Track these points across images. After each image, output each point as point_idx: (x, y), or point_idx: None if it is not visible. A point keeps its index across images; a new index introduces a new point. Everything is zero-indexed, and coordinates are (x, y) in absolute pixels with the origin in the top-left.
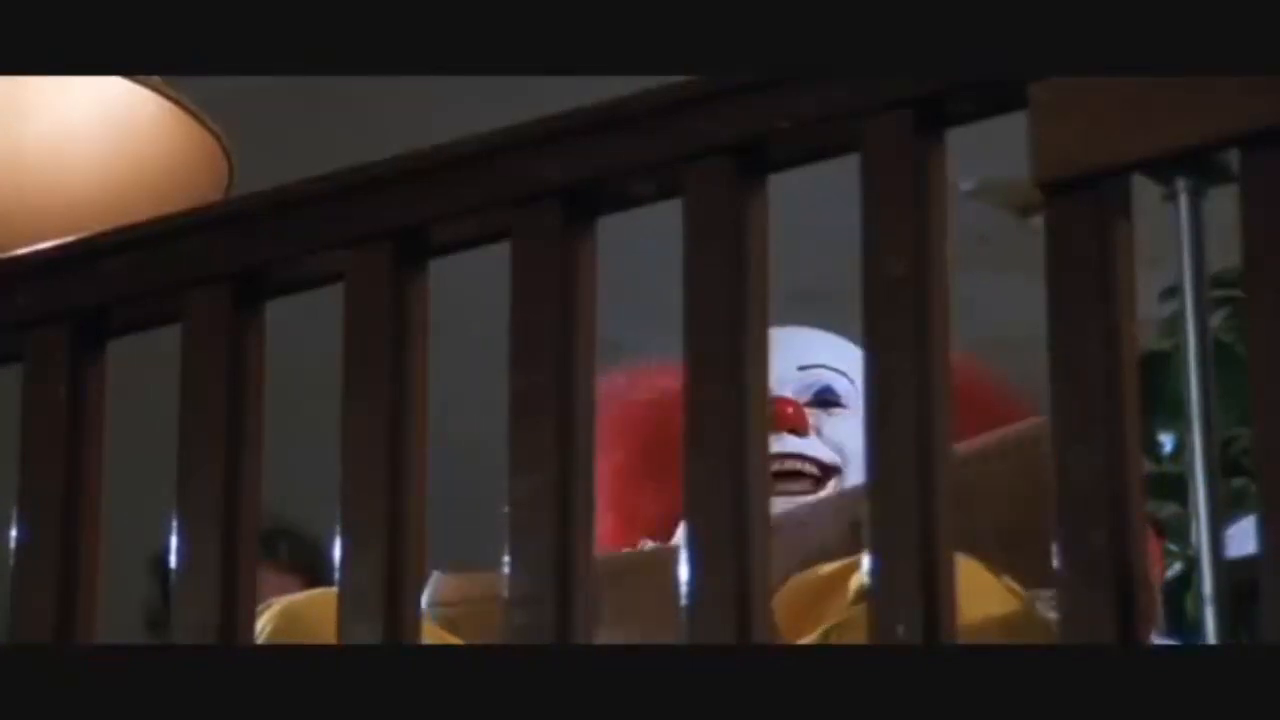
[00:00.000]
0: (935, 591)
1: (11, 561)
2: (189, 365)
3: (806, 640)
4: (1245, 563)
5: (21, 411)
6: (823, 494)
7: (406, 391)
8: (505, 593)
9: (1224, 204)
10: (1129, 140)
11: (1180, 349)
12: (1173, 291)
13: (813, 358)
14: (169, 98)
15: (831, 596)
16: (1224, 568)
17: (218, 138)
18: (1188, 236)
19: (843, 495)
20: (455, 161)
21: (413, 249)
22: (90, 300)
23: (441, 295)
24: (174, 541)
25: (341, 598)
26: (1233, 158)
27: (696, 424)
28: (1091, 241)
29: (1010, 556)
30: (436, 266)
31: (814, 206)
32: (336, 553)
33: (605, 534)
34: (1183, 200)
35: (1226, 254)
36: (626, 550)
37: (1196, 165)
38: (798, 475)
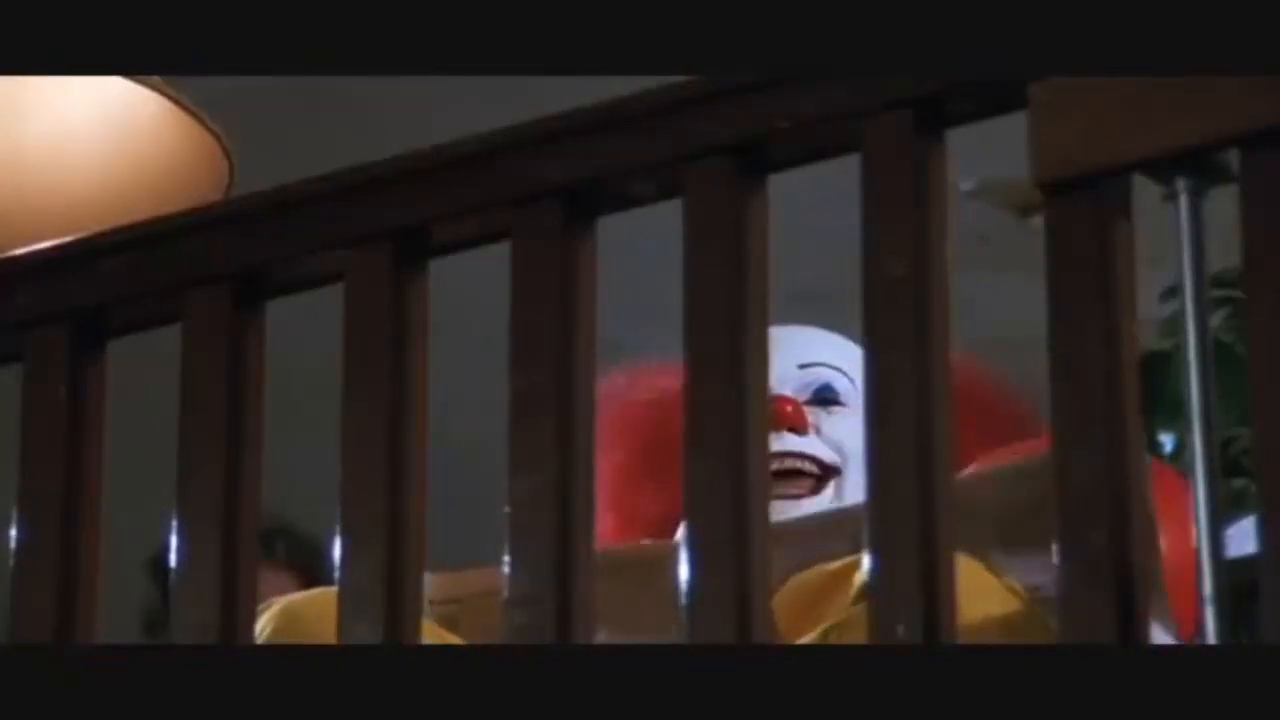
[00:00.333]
0: (935, 591)
1: (11, 561)
2: (189, 365)
3: (806, 640)
4: (1245, 563)
5: (21, 411)
6: (822, 501)
7: (406, 391)
8: (501, 589)
9: (1224, 204)
10: (1129, 140)
11: (1180, 349)
12: (1173, 291)
13: (812, 356)
14: (169, 98)
15: (832, 595)
16: (1224, 568)
17: (218, 138)
18: (1188, 236)
19: (844, 510)
20: (455, 161)
21: (413, 249)
22: (90, 300)
23: (441, 295)
24: (174, 541)
25: (341, 598)
26: (1233, 158)
27: (696, 424)
28: (1091, 241)
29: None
30: (436, 266)
31: (814, 206)
32: (336, 553)
33: (605, 534)
34: (1183, 200)
35: (1226, 254)
36: (625, 544)
37: (1196, 165)
38: (797, 474)
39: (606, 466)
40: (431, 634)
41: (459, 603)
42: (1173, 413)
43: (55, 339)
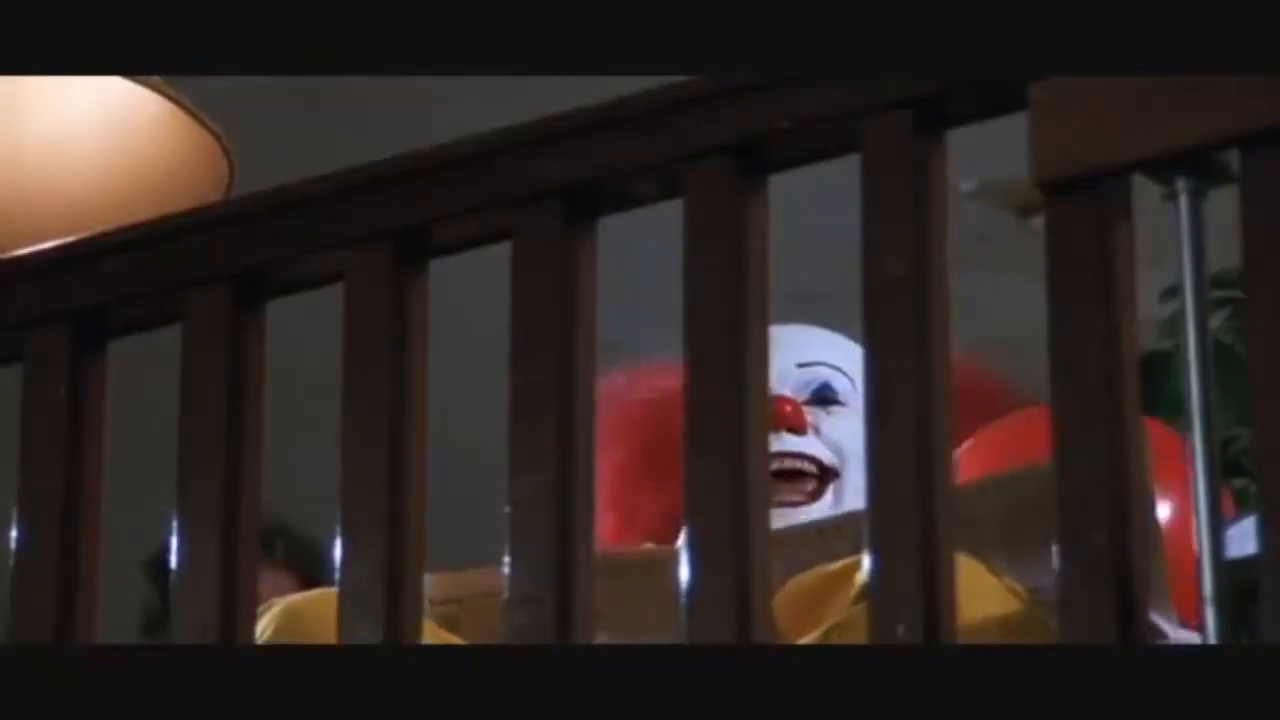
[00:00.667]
0: (935, 591)
1: (11, 561)
2: (189, 365)
3: (807, 640)
4: (1245, 563)
5: (21, 411)
6: (821, 506)
7: (406, 391)
8: (501, 589)
9: (1224, 204)
10: (1129, 140)
11: (1180, 349)
12: (1173, 291)
13: (812, 355)
14: (169, 98)
15: (833, 596)
16: (1224, 568)
17: (218, 138)
18: (1188, 236)
19: (847, 516)
20: (455, 161)
21: (413, 249)
22: (90, 300)
23: (441, 295)
24: (174, 541)
25: (341, 598)
26: (1233, 158)
27: (696, 424)
28: (1091, 241)
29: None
30: (436, 266)
31: (814, 206)
32: (336, 553)
33: (605, 534)
34: (1183, 200)
35: (1226, 254)
36: (627, 547)
37: (1196, 165)
38: (797, 475)
39: (606, 466)
40: (431, 634)
41: (459, 603)
42: (1173, 413)
43: (55, 339)
